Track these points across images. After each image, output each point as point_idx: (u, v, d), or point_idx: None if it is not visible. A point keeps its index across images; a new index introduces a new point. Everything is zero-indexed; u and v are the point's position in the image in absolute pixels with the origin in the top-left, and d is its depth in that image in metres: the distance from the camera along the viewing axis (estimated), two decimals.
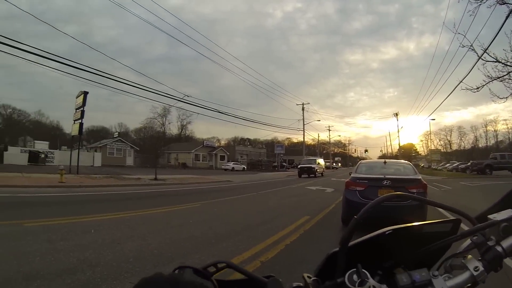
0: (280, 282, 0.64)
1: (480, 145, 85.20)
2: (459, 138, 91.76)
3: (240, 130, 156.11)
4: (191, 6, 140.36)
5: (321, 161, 39.89)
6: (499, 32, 11.42)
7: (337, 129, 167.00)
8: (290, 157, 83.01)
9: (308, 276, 0.65)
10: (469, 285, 0.65)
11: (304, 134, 50.07)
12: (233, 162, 52.68)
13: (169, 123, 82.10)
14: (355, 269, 0.63)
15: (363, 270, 0.63)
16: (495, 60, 12.02)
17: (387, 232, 0.72)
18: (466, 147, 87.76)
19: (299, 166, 34.73)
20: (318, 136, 73.93)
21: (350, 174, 7.62)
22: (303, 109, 49.53)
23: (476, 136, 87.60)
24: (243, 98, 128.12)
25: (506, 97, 12.53)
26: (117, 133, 57.87)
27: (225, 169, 47.74)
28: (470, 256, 0.67)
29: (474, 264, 0.65)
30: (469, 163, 40.20)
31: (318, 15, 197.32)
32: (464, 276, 0.65)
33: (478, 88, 12.71)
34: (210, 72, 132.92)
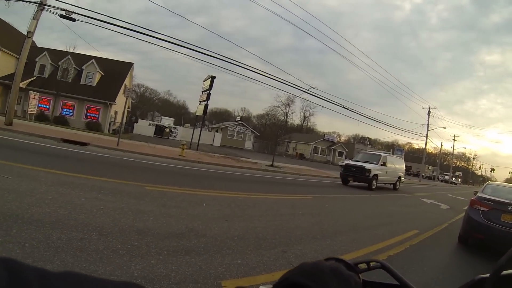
0: None
1: None
2: None
3: (362, 128, 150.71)
4: None
5: (395, 160, 21.33)
6: None
7: (462, 140, 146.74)
8: (408, 163, 76.55)
9: None
10: None
11: (426, 141, 45.20)
12: (348, 159, 50.35)
13: (292, 113, 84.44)
14: None
15: None
16: None
17: None
18: None
19: (344, 163, 19.17)
20: (441, 145, 65.47)
21: (474, 194, 7.53)
22: (428, 113, 44.83)
23: None
24: (368, 95, 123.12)
25: None
26: (239, 116, 61.54)
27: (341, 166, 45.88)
28: None
29: None
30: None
31: (450, 7, 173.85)
32: None
33: None
34: (336, 66, 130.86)
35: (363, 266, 0.64)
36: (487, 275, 0.58)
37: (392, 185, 19.98)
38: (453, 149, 72.24)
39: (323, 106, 32.63)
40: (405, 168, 23.18)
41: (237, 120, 56.38)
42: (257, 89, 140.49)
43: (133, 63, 35.33)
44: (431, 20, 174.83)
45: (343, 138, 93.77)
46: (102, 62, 31.42)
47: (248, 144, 51.44)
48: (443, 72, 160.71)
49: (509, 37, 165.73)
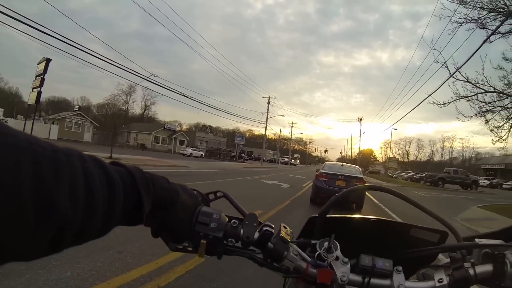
0: (256, 216, 0.66)
1: (435, 159, 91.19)
2: (417, 150, 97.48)
3: (203, 117, 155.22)
4: None
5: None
6: (474, 55, 11.73)
7: (300, 127, 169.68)
8: (250, 149, 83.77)
9: (284, 226, 0.65)
10: None
11: (266, 128, 50.02)
12: (191, 148, 51.50)
13: (133, 102, 78.64)
14: (328, 238, 0.67)
15: (335, 241, 0.66)
16: (465, 80, 12.37)
17: (371, 219, 0.79)
18: (422, 159, 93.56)
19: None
20: (280, 131, 74.11)
21: (317, 171, 10.81)
22: (268, 102, 49.29)
23: (432, 150, 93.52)
24: (211, 85, 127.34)
25: (471, 117, 13.00)
26: (77, 106, 54.46)
27: (183, 154, 46.65)
28: (442, 269, 0.67)
29: (440, 276, 0.64)
30: (423, 174, 42.46)
31: (297, 12, 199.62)
32: (426, 284, 0.64)
33: (445, 104, 13.10)
34: (182, 55, 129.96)
35: (212, 196, 0.74)
36: (317, 215, 0.74)
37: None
38: (291, 135, 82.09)
39: (162, 94, 32.04)
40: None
41: (75, 109, 49.56)
42: (99, 76, 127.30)
43: None
44: (279, 21, 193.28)
45: (184, 127, 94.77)
46: None
47: (88, 136, 46.38)
48: (284, 67, 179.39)
49: (343, 44, 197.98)
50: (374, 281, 0.65)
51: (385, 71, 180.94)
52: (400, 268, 0.65)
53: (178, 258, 3.89)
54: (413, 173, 53.94)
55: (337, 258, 0.64)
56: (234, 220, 0.64)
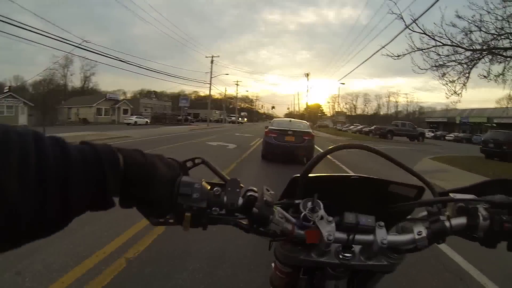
0: (238, 181, 0.65)
1: (381, 113, 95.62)
2: (364, 104, 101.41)
3: (147, 82, 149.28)
4: None
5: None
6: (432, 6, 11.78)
7: (246, 85, 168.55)
8: (196, 111, 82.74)
9: (267, 189, 0.65)
10: (410, 247, 0.69)
11: (210, 88, 49.62)
12: (135, 116, 49.99)
13: (72, 75, 74.80)
14: (312, 198, 0.68)
15: (317, 200, 0.68)
16: (422, 32, 12.31)
17: (352, 176, 0.81)
18: (369, 112, 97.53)
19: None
20: (225, 90, 73.93)
21: (266, 128, 11.21)
22: (212, 62, 48.71)
23: (379, 104, 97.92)
24: (154, 49, 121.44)
25: (426, 69, 13.19)
26: (7, 87, 49.16)
27: (128, 124, 45.23)
28: (420, 222, 0.71)
29: (419, 229, 0.68)
30: (372, 127, 43.75)
31: None
32: (406, 237, 0.69)
33: (399, 56, 13.09)
34: (122, 20, 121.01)
35: (190, 164, 0.68)
36: (299, 175, 0.75)
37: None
38: (237, 93, 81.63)
39: (100, 62, 30.35)
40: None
41: (5, 91, 43.89)
42: (34, 51, 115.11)
43: None
44: None
45: (129, 95, 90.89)
46: None
47: (23, 119, 41.89)
48: (229, 26, 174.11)
49: (289, 2, 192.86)
50: (358, 237, 0.68)
51: (331, 28, 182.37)
52: (382, 223, 0.68)
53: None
54: (361, 126, 55.22)
55: (321, 218, 0.66)
56: (216, 188, 0.62)
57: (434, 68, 13.13)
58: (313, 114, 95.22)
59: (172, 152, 12.67)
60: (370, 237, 0.68)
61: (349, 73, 58.87)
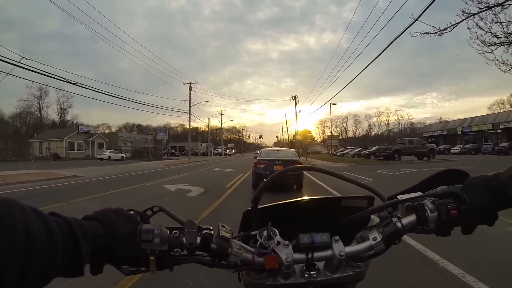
0: (194, 222, 0.68)
1: (372, 133, 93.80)
2: (354, 125, 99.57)
3: (133, 116, 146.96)
4: None
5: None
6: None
7: (232, 116, 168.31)
8: (182, 144, 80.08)
9: (222, 225, 0.69)
10: (370, 253, 0.72)
11: (190, 116, 45.11)
12: (109, 151, 46.06)
13: (48, 107, 72.06)
14: (267, 227, 0.72)
15: (272, 227, 0.72)
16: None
17: (302, 201, 0.86)
18: (361, 134, 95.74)
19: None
20: (209, 120, 70.30)
21: (255, 158, 11.80)
22: (190, 88, 44.83)
23: (370, 124, 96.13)
24: (139, 82, 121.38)
25: (497, 44, 10.37)
26: None
27: (101, 159, 41.41)
28: (374, 228, 0.74)
29: (374, 235, 0.72)
30: (374, 149, 39.88)
31: (223, 2, 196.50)
32: (363, 245, 0.72)
33: (445, 29, 10.26)
34: (106, 55, 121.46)
35: (150, 213, 0.74)
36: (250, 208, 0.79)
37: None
38: (221, 123, 77.59)
39: (74, 93, 27.11)
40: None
41: None
42: (19, 84, 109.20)
43: None
44: (205, 11, 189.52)
45: (114, 129, 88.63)
46: None
47: None
48: (212, 58, 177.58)
49: (270, 31, 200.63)
50: (317, 254, 0.72)
51: (313, 54, 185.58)
52: (337, 237, 0.73)
53: None
54: (359, 149, 51.77)
55: (278, 243, 0.70)
56: (175, 231, 0.66)
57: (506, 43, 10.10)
58: (304, 141, 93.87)
59: (109, 201, 8.66)
60: (328, 252, 0.72)
61: (335, 95, 58.10)
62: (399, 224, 0.72)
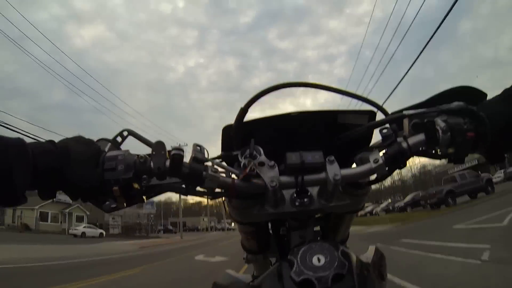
0: (163, 143, 0.59)
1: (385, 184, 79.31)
2: None
3: None
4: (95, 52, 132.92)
5: None
6: None
7: None
8: (184, 219, 71.28)
9: (197, 145, 0.60)
10: (372, 178, 0.64)
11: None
12: (85, 225, 37.89)
13: None
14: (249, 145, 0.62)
15: (256, 145, 0.62)
16: None
17: (291, 114, 0.73)
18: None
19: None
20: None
21: None
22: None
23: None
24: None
25: None
26: None
27: (74, 235, 33.64)
28: (376, 149, 0.63)
29: (375, 156, 0.60)
30: (409, 198, 32.37)
31: (219, 72, 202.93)
32: (363, 168, 0.61)
33: None
34: (110, 127, 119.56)
35: (119, 139, 0.65)
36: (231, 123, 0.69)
37: None
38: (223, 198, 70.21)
39: None
40: None
41: None
42: None
43: None
44: (201, 82, 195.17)
45: None
46: None
47: None
48: (212, 129, 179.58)
49: (267, 96, 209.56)
50: (307, 177, 0.60)
51: None
52: (332, 157, 0.60)
53: None
54: (386, 203, 44.23)
55: (262, 164, 0.59)
56: (142, 155, 0.57)
57: None
58: None
59: None
60: (321, 175, 0.60)
61: None
62: (404, 144, 0.60)
